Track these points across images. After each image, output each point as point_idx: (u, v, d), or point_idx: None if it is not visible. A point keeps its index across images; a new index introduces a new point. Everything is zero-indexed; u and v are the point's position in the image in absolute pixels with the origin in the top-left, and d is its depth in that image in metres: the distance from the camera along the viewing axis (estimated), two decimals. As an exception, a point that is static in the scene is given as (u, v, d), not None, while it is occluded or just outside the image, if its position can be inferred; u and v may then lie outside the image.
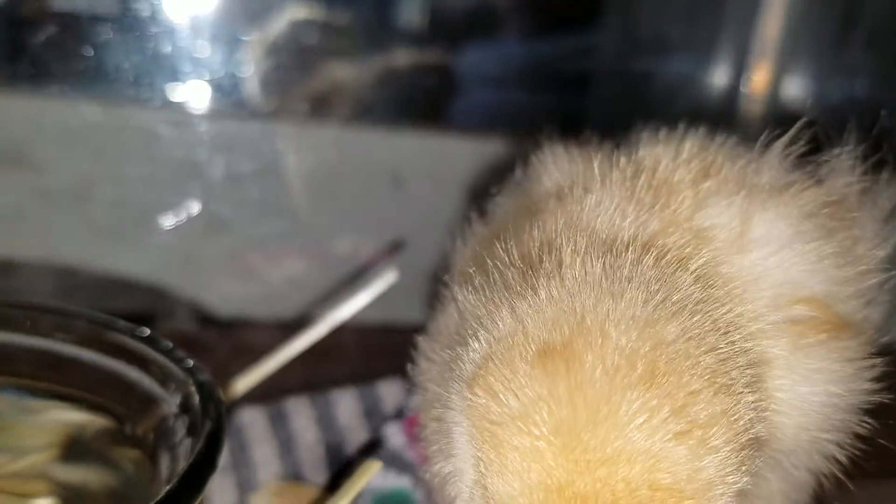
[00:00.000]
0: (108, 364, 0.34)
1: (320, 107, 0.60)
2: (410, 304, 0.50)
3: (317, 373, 0.49)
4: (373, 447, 0.44)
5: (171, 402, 0.31)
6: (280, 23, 0.59)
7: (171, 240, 0.56)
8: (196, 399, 0.30)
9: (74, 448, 0.34)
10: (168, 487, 0.26)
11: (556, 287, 0.26)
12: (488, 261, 0.29)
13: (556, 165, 0.35)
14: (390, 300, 0.48)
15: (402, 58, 0.64)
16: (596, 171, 0.33)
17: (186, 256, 0.57)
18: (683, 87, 0.71)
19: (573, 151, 0.36)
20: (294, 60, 0.60)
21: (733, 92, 0.70)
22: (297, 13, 0.59)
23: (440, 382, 0.30)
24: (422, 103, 0.64)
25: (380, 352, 0.57)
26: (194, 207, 0.56)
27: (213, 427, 0.29)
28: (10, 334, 0.35)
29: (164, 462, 0.31)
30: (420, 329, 0.36)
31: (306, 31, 0.60)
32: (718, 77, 0.70)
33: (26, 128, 0.54)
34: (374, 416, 0.47)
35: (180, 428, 0.30)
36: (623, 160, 0.33)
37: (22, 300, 0.35)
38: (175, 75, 0.56)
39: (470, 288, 0.29)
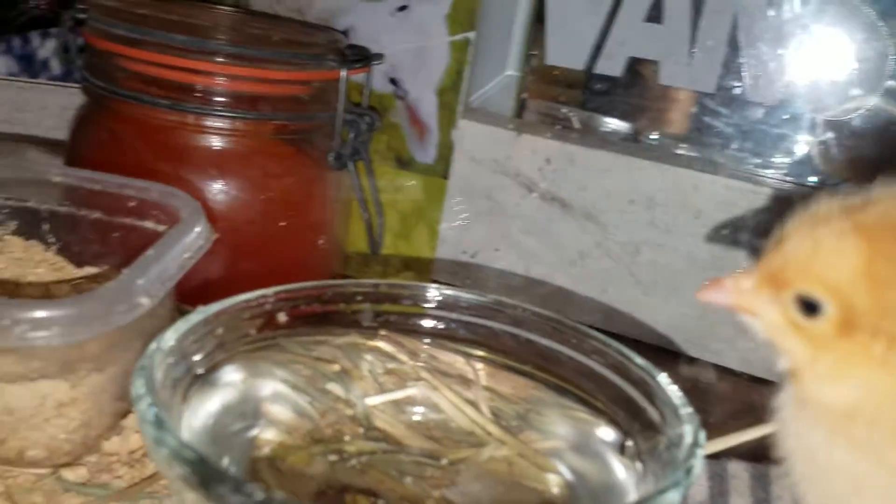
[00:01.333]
0: (625, 388, 0.42)
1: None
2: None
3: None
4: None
5: (666, 433, 0.38)
6: (853, 107, 0.62)
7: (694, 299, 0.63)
8: (685, 439, 0.36)
9: (583, 443, 0.43)
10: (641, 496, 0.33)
11: None
12: None
13: None
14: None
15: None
16: None
17: (703, 315, 0.64)
18: None
19: None
20: (861, 141, 0.62)
21: None
22: (872, 100, 0.61)
23: None
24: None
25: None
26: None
27: (689, 465, 0.35)
28: (562, 346, 0.46)
29: (650, 480, 0.38)
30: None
31: (880, 117, 0.62)
32: None
33: (600, 190, 0.66)
34: None
35: (666, 454, 0.37)
36: None
37: (576, 324, 0.46)
38: (747, 147, 0.62)
39: None
